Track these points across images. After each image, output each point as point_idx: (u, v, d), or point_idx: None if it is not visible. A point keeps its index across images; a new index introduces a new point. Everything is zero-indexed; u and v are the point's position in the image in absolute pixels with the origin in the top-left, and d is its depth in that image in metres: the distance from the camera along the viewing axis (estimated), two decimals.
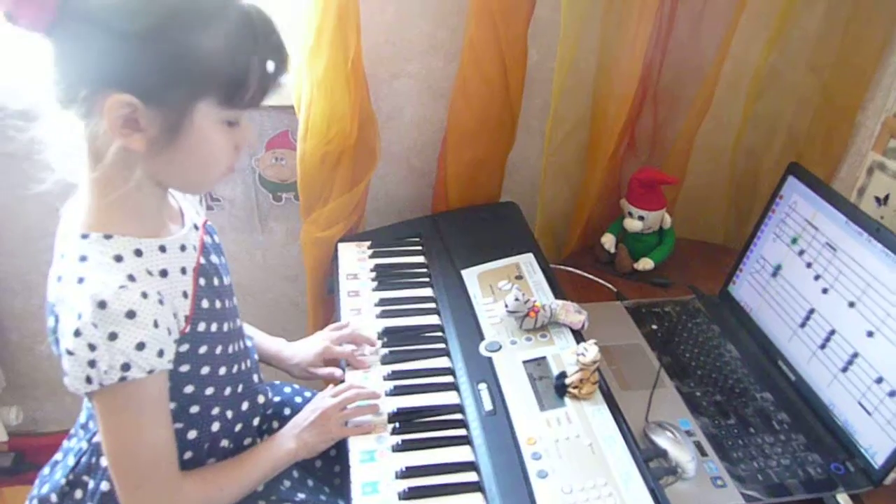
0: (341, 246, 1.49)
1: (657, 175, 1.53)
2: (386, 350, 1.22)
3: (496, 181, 1.62)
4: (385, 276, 1.39)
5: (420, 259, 1.45)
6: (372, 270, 1.41)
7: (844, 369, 1.15)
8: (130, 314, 0.80)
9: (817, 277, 1.23)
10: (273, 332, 1.27)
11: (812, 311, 1.23)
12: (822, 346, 1.20)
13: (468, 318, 1.27)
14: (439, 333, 1.25)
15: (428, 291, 1.36)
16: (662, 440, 1.11)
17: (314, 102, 1.35)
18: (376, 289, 1.36)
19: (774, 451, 1.15)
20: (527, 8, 1.37)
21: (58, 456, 1.03)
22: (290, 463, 1.04)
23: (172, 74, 0.77)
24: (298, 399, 1.23)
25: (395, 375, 1.16)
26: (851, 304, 1.16)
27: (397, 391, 1.13)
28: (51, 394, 1.87)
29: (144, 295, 0.82)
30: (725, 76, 1.55)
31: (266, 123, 1.57)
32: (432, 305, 1.32)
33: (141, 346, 0.81)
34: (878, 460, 1.09)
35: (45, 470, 1.03)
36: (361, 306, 1.32)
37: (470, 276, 1.37)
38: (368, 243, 1.49)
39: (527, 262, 1.38)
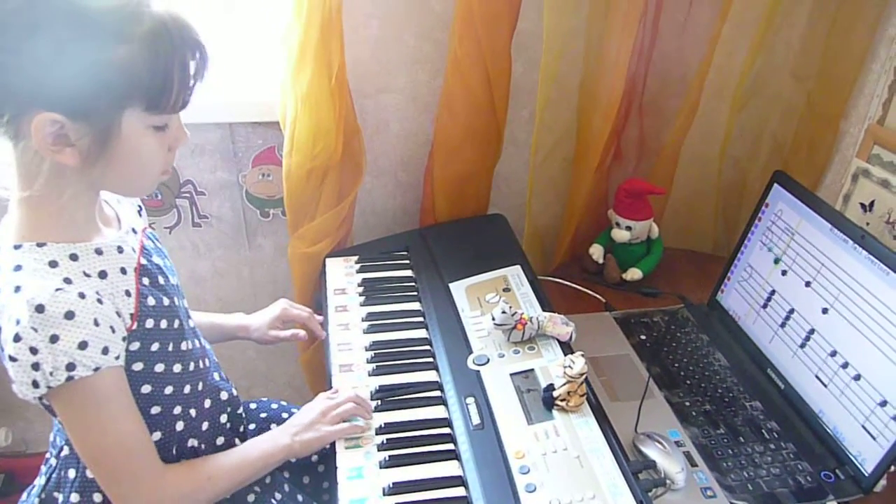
0: (329, 261, 1.48)
1: (644, 185, 1.53)
2: (373, 365, 1.21)
3: (483, 194, 1.63)
4: (373, 291, 1.39)
5: (408, 273, 1.45)
6: (360, 285, 1.41)
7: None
8: (69, 315, 0.81)
9: (808, 283, 1.24)
10: (264, 347, 1.28)
11: (809, 327, 1.24)
12: (802, 346, 1.20)
13: (456, 332, 1.26)
14: (427, 347, 1.25)
15: (416, 305, 1.35)
16: (652, 451, 1.10)
17: (299, 118, 1.36)
18: (364, 303, 1.36)
19: (764, 460, 1.14)
20: (510, 21, 1.38)
21: (35, 480, 1.03)
22: (283, 460, 1.04)
23: (93, 89, 0.78)
24: (285, 415, 1.23)
25: (382, 390, 1.16)
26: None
27: (385, 406, 1.13)
28: (40, 414, 1.82)
29: (82, 295, 0.82)
30: (710, 86, 1.56)
31: (252, 139, 1.57)
32: (420, 319, 1.32)
33: (84, 345, 0.81)
34: (867, 467, 1.08)
35: (24, 496, 1.03)
36: (349, 321, 1.31)
37: (458, 289, 1.37)
38: (356, 258, 1.49)
39: (514, 274, 1.38)
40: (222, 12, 1.47)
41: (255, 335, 1.26)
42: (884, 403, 1.06)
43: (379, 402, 1.13)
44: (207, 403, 1.03)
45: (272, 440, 1.04)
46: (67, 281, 0.83)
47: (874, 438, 1.07)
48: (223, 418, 1.06)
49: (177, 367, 0.96)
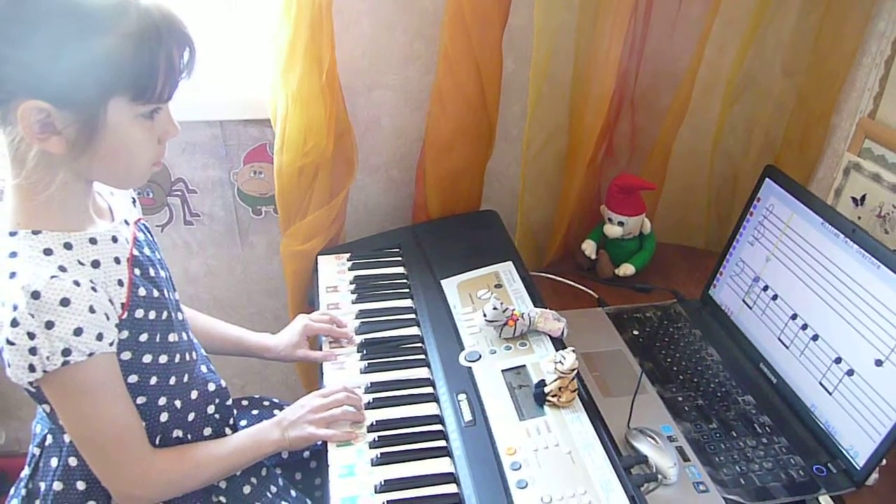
0: (321, 259, 1.48)
1: (635, 181, 1.53)
2: (365, 363, 1.21)
3: (476, 190, 1.62)
4: (365, 288, 1.39)
5: (400, 270, 1.45)
6: (352, 283, 1.40)
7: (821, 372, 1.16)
8: (65, 302, 0.82)
9: (800, 278, 1.24)
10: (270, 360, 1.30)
11: (801, 322, 1.24)
12: (794, 341, 1.20)
13: (448, 329, 1.26)
14: (419, 344, 1.25)
15: (408, 302, 1.35)
16: (644, 446, 1.10)
17: (290, 116, 1.35)
18: (356, 301, 1.35)
19: (757, 454, 1.14)
20: (500, 17, 1.38)
21: (22, 472, 1.04)
22: (272, 453, 1.06)
23: (78, 77, 0.79)
24: (277, 412, 1.23)
25: (374, 387, 1.16)
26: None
27: (377, 403, 1.13)
28: (34, 414, 1.85)
29: (77, 283, 0.84)
30: (702, 81, 1.56)
31: (243, 137, 1.56)
32: (412, 316, 1.32)
33: (79, 332, 0.83)
34: (859, 461, 1.09)
35: (13, 490, 1.04)
36: (341, 318, 1.30)
37: (450, 285, 1.36)
38: (348, 255, 1.49)
39: (506, 270, 1.38)
40: (216, 11, 1.46)
41: (281, 355, 1.27)
42: (877, 398, 1.06)
43: (371, 399, 1.13)
44: (194, 395, 1.04)
45: (262, 433, 1.05)
46: (62, 269, 0.85)
47: (866, 432, 1.07)
48: (211, 409, 1.07)
49: (163, 358, 0.97)
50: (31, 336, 0.81)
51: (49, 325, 0.81)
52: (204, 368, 1.08)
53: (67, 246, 0.87)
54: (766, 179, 1.34)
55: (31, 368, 0.83)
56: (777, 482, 1.10)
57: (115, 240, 0.93)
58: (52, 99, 0.79)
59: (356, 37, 1.47)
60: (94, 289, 0.85)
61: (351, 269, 1.45)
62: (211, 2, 1.46)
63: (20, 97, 0.79)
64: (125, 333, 0.91)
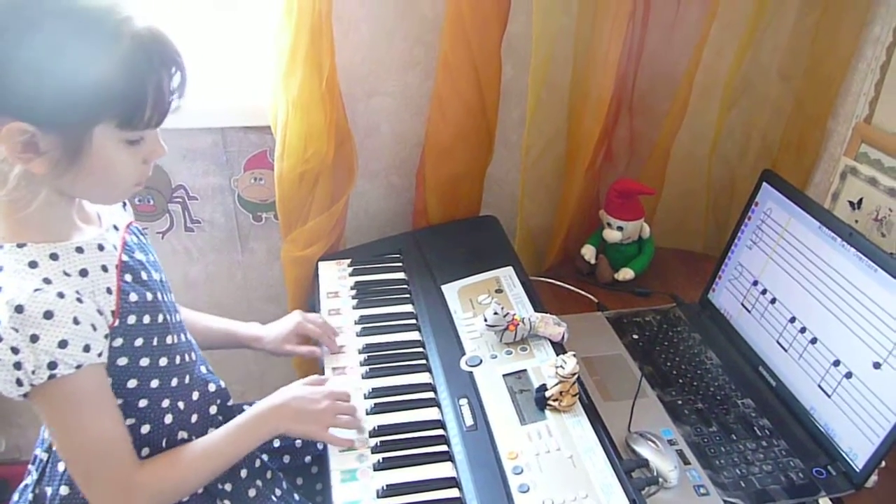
0: (322, 264, 1.49)
1: (634, 185, 1.54)
2: (366, 368, 1.22)
3: (475, 195, 1.63)
4: (365, 294, 1.39)
5: (400, 275, 1.45)
6: (352, 288, 1.41)
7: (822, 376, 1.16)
8: (48, 314, 0.82)
9: (798, 282, 1.24)
10: (258, 351, 1.29)
11: (800, 325, 1.24)
12: (793, 344, 1.21)
13: (449, 334, 1.27)
14: (420, 349, 1.26)
15: (408, 308, 1.36)
16: (645, 450, 1.11)
17: (290, 122, 1.36)
18: (357, 306, 1.36)
19: (756, 457, 1.15)
20: (499, 24, 1.38)
21: (26, 478, 1.04)
22: (268, 439, 1.05)
23: (66, 101, 0.79)
24: None
25: (375, 392, 1.16)
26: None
27: (378, 408, 1.13)
28: (34, 421, 1.83)
29: (61, 295, 0.83)
30: (699, 86, 1.56)
31: (244, 144, 1.57)
32: (413, 322, 1.32)
33: (64, 344, 0.83)
34: (858, 463, 1.09)
35: (16, 496, 1.04)
36: (342, 324, 1.31)
37: (450, 291, 1.37)
38: (349, 261, 1.49)
39: (506, 275, 1.39)
40: (216, 18, 1.47)
41: (268, 347, 1.27)
42: (875, 401, 1.07)
43: (372, 404, 1.14)
44: (195, 396, 1.04)
45: (259, 420, 1.04)
46: (47, 281, 0.84)
47: (865, 435, 1.08)
48: (213, 410, 1.08)
49: (163, 361, 0.97)
50: (15, 351, 0.81)
51: (34, 338, 0.81)
52: (203, 369, 1.09)
53: (53, 257, 0.87)
54: (764, 184, 1.35)
55: (19, 383, 0.83)
56: (777, 485, 1.10)
57: (101, 247, 0.92)
58: (37, 121, 0.79)
59: (356, 43, 1.48)
60: (79, 300, 0.85)
61: (352, 274, 1.45)
62: (211, 9, 1.47)
63: (6, 118, 0.78)
64: (119, 340, 0.91)
